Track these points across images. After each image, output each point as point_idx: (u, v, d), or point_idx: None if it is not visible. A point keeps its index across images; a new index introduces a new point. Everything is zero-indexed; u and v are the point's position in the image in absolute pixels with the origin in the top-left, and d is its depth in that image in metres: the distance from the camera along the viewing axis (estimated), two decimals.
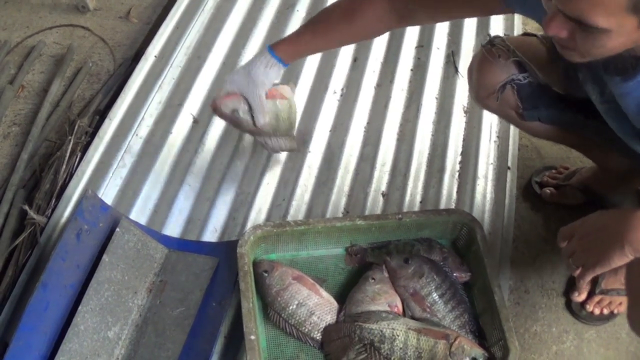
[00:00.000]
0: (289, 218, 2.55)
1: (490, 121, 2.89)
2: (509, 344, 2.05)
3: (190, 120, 2.84)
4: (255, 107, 2.01)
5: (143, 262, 2.29)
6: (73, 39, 3.28)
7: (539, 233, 2.59)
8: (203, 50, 3.10)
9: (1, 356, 2.00)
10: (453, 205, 2.63)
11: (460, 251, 2.39)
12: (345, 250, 2.40)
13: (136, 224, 2.39)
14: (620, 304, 2.32)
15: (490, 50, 2.13)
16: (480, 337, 2.19)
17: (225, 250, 2.34)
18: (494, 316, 2.13)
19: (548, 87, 2.10)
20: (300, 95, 2.94)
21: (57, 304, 2.10)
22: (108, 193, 2.57)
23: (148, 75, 2.98)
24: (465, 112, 2.96)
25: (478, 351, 2.08)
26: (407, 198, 2.64)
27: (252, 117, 2.19)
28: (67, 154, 2.64)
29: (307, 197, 2.63)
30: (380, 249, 2.37)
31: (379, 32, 2.26)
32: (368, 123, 2.90)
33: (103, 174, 2.62)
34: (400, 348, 2.07)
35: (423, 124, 2.89)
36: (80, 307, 2.09)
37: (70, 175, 2.60)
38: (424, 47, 3.20)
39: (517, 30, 3.24)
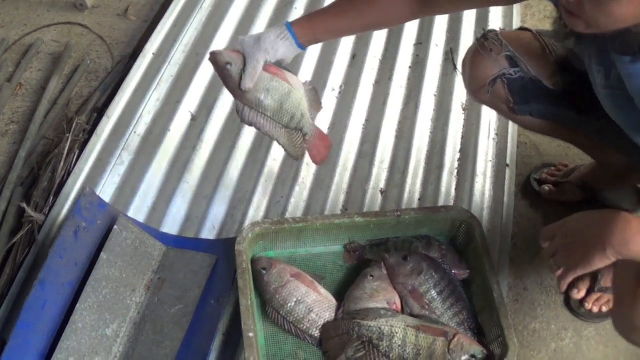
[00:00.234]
0: (288, 215, 2.55)
1: (489, 118, 2.89)
2: (508, 341, 2.05)
3: (188, 118, 2.84)
4: (248, 68, 1.93)
5: (141, 259, 2.29)
6: (71, 37, 3.28)
7: (538, 230, 2.56)
8: (201, 47, 3.09)
9: None
10: (452, 203, 2.62)
11: (459, 248, 2.38)
12: (343, 247, 2.40)
13: (134, 221, 2.39)
14: None
15: (483, 44, 2.14)
16: (479, 334, 2.18)
17: (224, 248, 2.34)
18: (492, 313, 2.13)
19: (540, 82, 2.10)
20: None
21: (55, 301, 2.10)
22: (106, 191, 2.57)
23: (146, 73, 2.98)
24: (464, 109, 2.96)
25: (477, 348, 2.07)
26: (406, 195, 2.64)
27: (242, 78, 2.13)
28: (65, 152, 2.64)
29: (305, 194, 2.63)
30: (378, 246, 2.37)
31: (403, 17, 2.13)
32: (367, 120, 2.89)
33: (101, 172, 2.62)
34: (399, 345, 2.07)
35: (422, 121, 2.89)
36: (78, 305, 2.08)
37: (68, 173, 2.59)
38: (422, 44, 3.20)
39: (516, 27, 3.24)
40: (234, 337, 2.23)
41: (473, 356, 2.06)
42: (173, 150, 2.72)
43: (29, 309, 2.03)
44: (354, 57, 3.13)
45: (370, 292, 2.20)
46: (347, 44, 3.15)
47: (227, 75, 1.99)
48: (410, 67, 3.12)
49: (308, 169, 2.70)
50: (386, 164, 2.74)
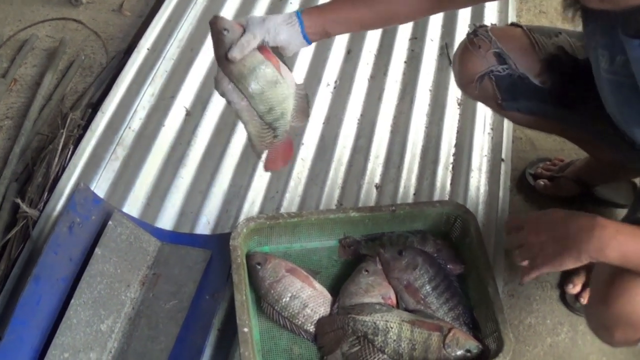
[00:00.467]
0: (282, 210, 2.54)
1: (484, 113, 2.89)
2: (503, 336, 2.05)
3: (183, 113, 2.83)
4: (241, 39, 1.80)
5: (136, 255, 2.29)
6: (65, 32, 3.27)
7: None
8: (196, 42, 3.09)
9: None
10: (447, 197, 2.62)
11: (454, 243, 2.38)
12: (338, 242, 2.39)
13: (129, 216, 2.38)
14: None
15: (472, 40, 2.13)
16: (475, 329, 2.18)
17: (218, 243, 2.34)
18: (488, 308, 2.13)
19: (528, 80, 2.10)
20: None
21: (49, 297, 2.09)
22: (100, 186, 2.56)
23: (140, 68, 2.97)
24: (459, 104, 2.96)
25: (472, 343, 2.07)
26: (401, 190, 2.64)
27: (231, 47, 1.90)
28: (60, 147, 2.63)
29: (300, 189, 2.63)
30: (373, 241, 2.36)
31: (420, 11, 1.99)
32: (362, 115, 2.89)
33: (95, 167, 2.61)
34: (394, 340, 2.06)
35: (417, 116, 2.89)
36: (72, 301, 2.08)
37: (62, 169, 2.59)
38: (417, 39, 3.20)
39: (511, 22, 3.24)
40: (229, 333, 2.23)
41: (468, 351, 2.06)
42: (168, 145, 2.72)
43: (23, 304, 2.02)
44: (349, 52, 3.13)
45: (365, 287, 2.20)
46: (342, 38, 3.14)
47: (219, 40, 1.87)
48: (405, 62, 3.12)
49: (303, 164, 2.70)
50: (381, 159, 2.74)
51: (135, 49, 3.02)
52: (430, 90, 3.01)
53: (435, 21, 3.27)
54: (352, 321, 2.10)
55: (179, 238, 2.42)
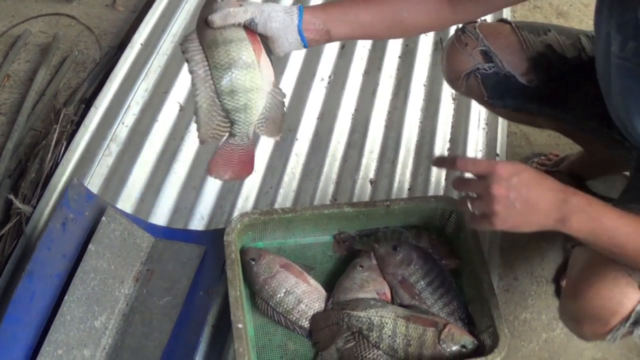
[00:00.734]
0: (277, 206, 2.54)
1: (478, 108, 2.89)
2: (499, 331, 2.04)
3: (176, 109, 2.82)
4: (230, 9, 1.58)
5: (129, 251, 2.28)
6: (59, 28, 3.26)
7: None
8: None
9: None
10: (441, 192, 2.62)
11: (449, 238, 2.37)
12: (333, 237, 2.39)
13: (122, 212, 2.37)
14: None
15: (460, 37, 2.12)
16: (470, 324, 2.18)
17: (213, 239, 2.33)
18: (483, 303, 2.13)
19: (514, 78, 2.09)
20: (287, 82, 2.93)
21: (43, 293, 2.08)
22: (94, 182, 2.55)
23: (134, 63, 2.96)
24: (454, 99, 2.96)
25: (467, 339, 2.07)
26: (396, 185, 2.64)
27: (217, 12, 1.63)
28: (53, 143, 2.62)
29: (294, 184, 2.63)
30: (368, 237, 2.36)
31: (437, 20, 1.80)
32: (356, 110, 2.89)
33: (89, 163, 2.60)
34: (389, 336, 2.06)
35: (411, 111, 2.89)
36: (66, 297, 2.07)
37: (56, 165, 2.58)
38: None
39: (506, 16, 3.22)
40: (223, 329, 2.22)
41: (463, 346, 2.06)
42: (161, 141, 2.71)
43: (16, 301, 2.01)
44: (343, 46, 3.12)
45: (360, 283, 2.19)
46: None
47: (208, 6, 1.63)
48: (399, 57, 3.12)
49: (297, 160, 2.69)
50: (375, 154, 2.74)
51: (129, 45, 3.01)
52: (424, 85, 3.01)
53: None
54: (347, 317, 2.10)
55: (172, 234, 2.42)
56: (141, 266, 2.30)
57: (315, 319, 2.17)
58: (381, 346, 2.06)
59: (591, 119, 2.03)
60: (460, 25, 2.15)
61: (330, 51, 3.09)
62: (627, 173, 2.55)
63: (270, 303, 2.17)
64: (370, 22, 1.73)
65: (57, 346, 2.01)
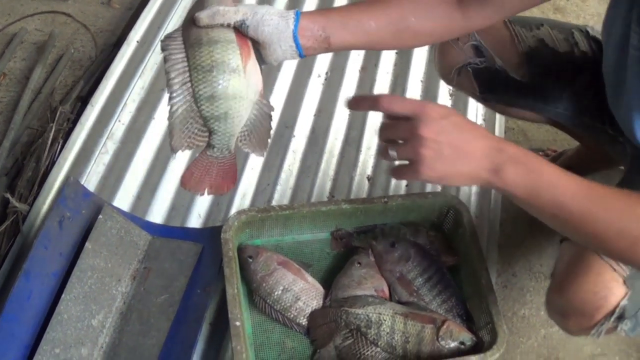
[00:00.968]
0: (274, 203, 2.54)
1: (476, 104, 2.88)
2: (497, 327, 2.04)
3: None
4: (220, 7, 1.46)
5: (126, 249, 2.27)
6: (55, 26, 3.25)
7: (526, 216, 2.57)
8: None
9: None
10: (439, 189, 2.61)
11: (447, 235, 2.37)
12: (330, 234, 2.38)
13: (119, 210, 2.37)
14: None
15: None
16: (468, 321, 2.17)
17: (210, 236, 2.32)
18: (481, 300, 2.12)
19: (506, 73, 2.08)
20: (284, 79, 2.92)
21: (40, 292, 2.08)
22: (90, 180, 2.55)
23: (130, 61, 2.95)
24: (451, 95, 2.95)
25: (466, 335, 2.06)
26: (393, 182, 2.63)
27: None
28: (49, 141, 2.62)
29: (291, 181, 2.62)
30: (366, 233, 2.35)
31: (447, 28, 1.70)
32: None
33: (85, 161, 2.60)
34: (387, 333, 2.06)
35: None
36: (63, 296, 2.06)
37: (52, 163, 2.57)
38: None
39: None
40: (221, 326, 2.22)
41: (462, 343, 2.05)
42: (158, 138, 2.70)
43: (13, 300, 2.01)
44: None
45: (357, 280, 2.19)
46: None
47: (199, 2, 1.51)
48: (396, 53, 3.11)
49: (294, 156, 2.69)
50: (373, 150, 2.73)
51: (125, 42, 3.00)
52: (421, 82, 3.01)
53: None
54: (345, 314, 2.09)
55: (170, 232, 2.41)
56: (138, 264, 2.29)
57: (313, 316, 2.16)
58: (379, 343, 2.06)
59: (584, 115, 2.02)
60: None
61: None
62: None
63: (268, 300, 2.16)
64: (375, 28, 1.60)
65: (54, 345, 2.00)
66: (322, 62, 3.03)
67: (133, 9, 3.34)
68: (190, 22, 1.48)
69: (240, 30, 1.49)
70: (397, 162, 1.48)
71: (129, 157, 2.64)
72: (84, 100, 2.84)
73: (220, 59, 1.45)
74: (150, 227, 2.40)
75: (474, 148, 1.39)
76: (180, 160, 2.62)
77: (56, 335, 2.01)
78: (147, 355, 2.10)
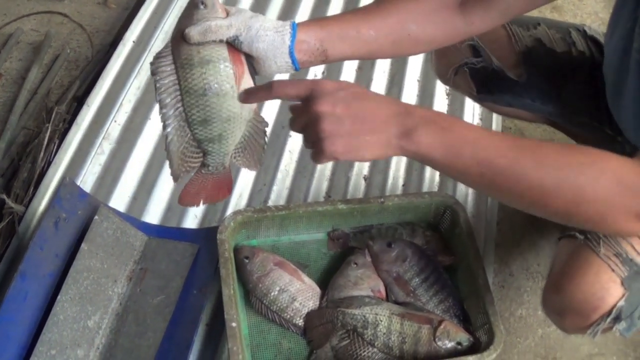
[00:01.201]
0: (270, 203, 2.53)
1: (472, 103, 2.87)
2: (494, 327, 2.03)
3: None
4: (211, 22, 1.41)
5: (122, 249, 2.27)
6: (51, 26, 3.24)
7: (523, 215, 2.57)
8: None
9: None
10: (436, 189, 2.62)
11: (444, 234, 2.37)
12: (327, 235, 2.38)
13: (115, 211, 2.37)
14: None
15: None
16: (465, 321, 2.17)
17: (206, 237, 2.32)
18: (478, 300, 2.12)
19: (503, 73, 2.08)
20: (280, 79, 2.91)
21: (35, 293, 2.07)
22: (86, 180, 2.54)
23: (126, 61, 2.95)
24: (447, 94, 2.95)
25: (463, 335, 2.06)
26: (390, 182, 2.63)
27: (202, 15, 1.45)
28: (45, 142, 2.61)
29: (288, 181, 2.61)
30: (362, 233, 2.35)
31: (451, 33, 1.66)
32: None
33: (81, 162, 2.59)
34: (384, 333, 2.05)
35: None
36: (59, 297, 2.06)
37: (48, 163, 2.57)
38: None
39: None
40: (217, 327, 2.21)
41: (459, 343, 2.05)
42: (154, 139, 2.70)
43: (9, 301, 2.00)
44: None
45: (354, 280, 2.19)
46: None
47: (189, 13, 1.44)
48: None
49: (291, 156, 2.68)
50: None
51: (121, 42, 2.99)
52: (418, 81, 3.00)
53: None
54: (342, 314, 2.09)
55: (166, 232, 2.41)
56: (134, 265, 2.29)
57: (309, 317, 2.16)
58: (376, 344, 2.06)
59: (582, 114, 2.02)
60: None
61: None
62: None
63: (264, 301, 2.16)
64: (375, 37, 1.54)
65: (50, 346, 2.00)
66: None
67: (129, 9, 3.34)
68: (179, 37, 1.42)
69: (232, 45, 1.43)
70: None
71: (125, 157, 2.63)
72: (79, 101, 2.84)
73: (213, 81, 1.41)
74: (146, 228, 2.39)
75: (379, 115, 1.34)
76: None
77: (52, 337, 2.01)
78: (144, 357, 2.10)
